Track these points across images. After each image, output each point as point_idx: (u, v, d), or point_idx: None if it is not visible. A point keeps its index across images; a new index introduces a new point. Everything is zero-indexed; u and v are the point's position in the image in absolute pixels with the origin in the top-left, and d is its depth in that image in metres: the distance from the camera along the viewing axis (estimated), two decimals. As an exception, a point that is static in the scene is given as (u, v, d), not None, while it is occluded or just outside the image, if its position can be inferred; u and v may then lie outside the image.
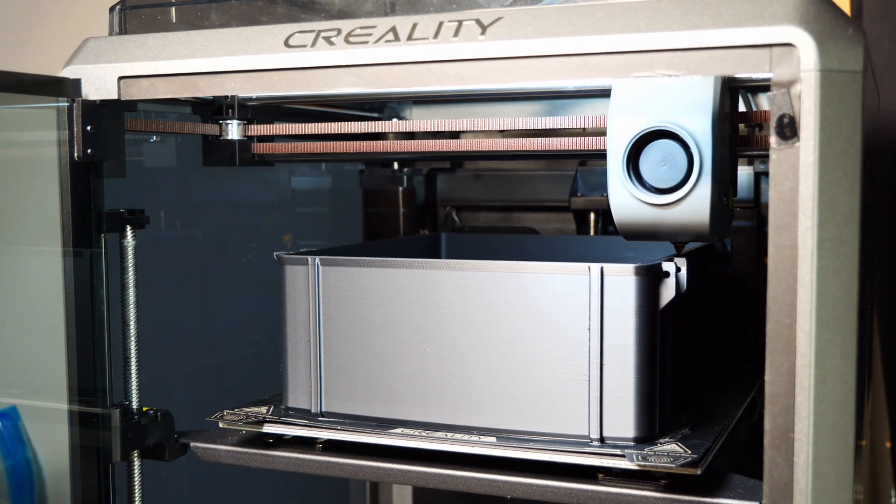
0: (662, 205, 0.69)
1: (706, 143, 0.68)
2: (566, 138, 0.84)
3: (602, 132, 0.76)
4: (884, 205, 1.43)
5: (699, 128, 0.68)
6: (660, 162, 0.69)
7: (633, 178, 0.70)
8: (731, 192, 0.76)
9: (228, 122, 1.02)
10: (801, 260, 0.66)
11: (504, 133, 1.11)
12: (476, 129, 0.89)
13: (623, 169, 0.70)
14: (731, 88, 0.74)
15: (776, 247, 0.67)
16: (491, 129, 0.87)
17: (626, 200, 0.70)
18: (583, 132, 0.99)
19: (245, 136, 1.03)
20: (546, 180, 1.29)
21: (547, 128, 0.86)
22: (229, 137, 1.03)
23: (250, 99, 1.03)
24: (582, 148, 0.83)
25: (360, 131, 0.94)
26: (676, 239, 0.78)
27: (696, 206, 0.69)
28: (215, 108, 1.03)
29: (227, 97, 1.02)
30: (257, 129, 1.02)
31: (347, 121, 0.96)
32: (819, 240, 0.65)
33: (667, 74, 0.68)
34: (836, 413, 0.67)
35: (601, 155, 0.75)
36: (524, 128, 0.86)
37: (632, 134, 0.69)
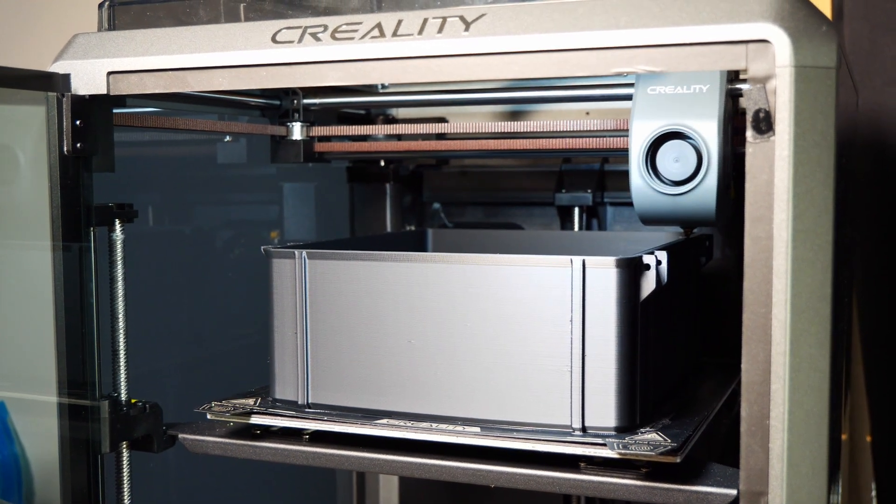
0: (676, 195, 0.79)
1: (713, 143, 0.77)
2: (578, 138, 1.00)
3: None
4: (865, 202, 1.45)
5: (707, 130, 0.77)
6: (673, 159, 0.78)
7: (651, 172, 0.80)
8: (732, 185, 0.81)
9: (292, 124, 1.13)
10: (776, 251, 0.67)
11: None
12: (519, 130, 1.04)
13: (642, 164, 0.80)
14: (732, 96, 0.81)
15: (752, 238, 0.68)
16: (539, 130, 1.03)
17: (645, 191, 0.80)
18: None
19: (308, 136, 1.14)
20: (531, 177, 1.30)
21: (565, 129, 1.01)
22: (294, 138, 1.14)
23: (313, 104, 1.15)
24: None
25: (410, 132, 1.11)
26: (687, 224, 0.90)
27: (704, 195, 0.78)
28: (282, 112, 1.15)
29: (293, 101, 1.13)
30: (318, 131, 1.14)
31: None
32: (794, 231, 0.67)
33: (647, 70, 0.70)
34: (810, 400, 0.68)
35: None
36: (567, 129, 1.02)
37: (650, 135, 0.79)
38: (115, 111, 0.92)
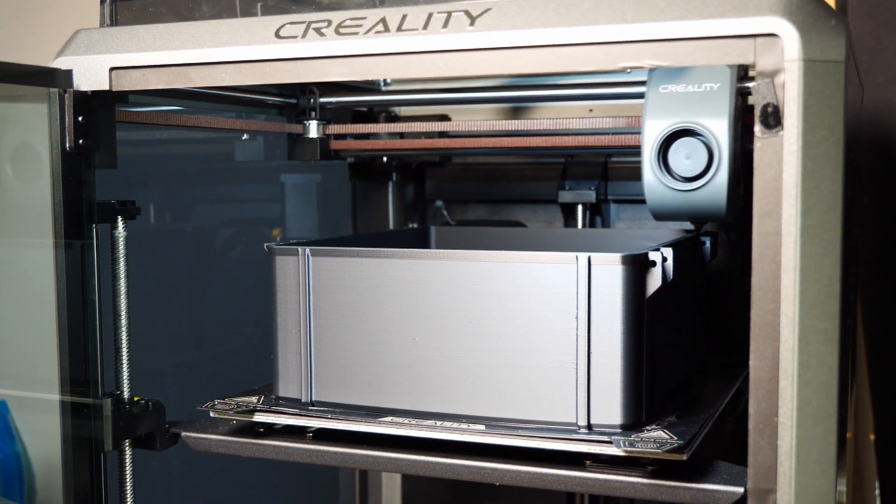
0: (687, 191, 0.79)
1: (724, 140, 0.77)
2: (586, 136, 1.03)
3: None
4: (870, 199, 1.44)
5: (718, 128, 0.78)
6: (685, 156, 0.79)
7: (663, 169, 0.80)
8: (741, 181, 0.83)
9: (309, 122, 1.16)
10: (784, 247, 0.67)
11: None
12: (523, 129, 1.06)
13: (654, 161, 0.80)
14: (742, 94, 0.81)
15: (760, 234, 0.68)
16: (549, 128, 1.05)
17: (657, 187, 0.81)
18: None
19: (324, 134, 1.17)
20: (534, 174, 1.30)
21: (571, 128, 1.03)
22: (310, 136, 1.16)
23: (329, 103, 1.17)
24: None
25: (424, 130, 1.15)
26: (698, 219, 0.92)
27: (715, 191, 0.79)
28: (299, 111, 1.17)
29: (310, 101, 1.16)
30: (334, 129, 1.16)
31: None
32: (802, 227, 0.66)
33: (653, 64, 0.70)
34: (819, 397, 0.68)
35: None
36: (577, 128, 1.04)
37: (662, 132, 0.79)
38: (121, 108, 0.91)
